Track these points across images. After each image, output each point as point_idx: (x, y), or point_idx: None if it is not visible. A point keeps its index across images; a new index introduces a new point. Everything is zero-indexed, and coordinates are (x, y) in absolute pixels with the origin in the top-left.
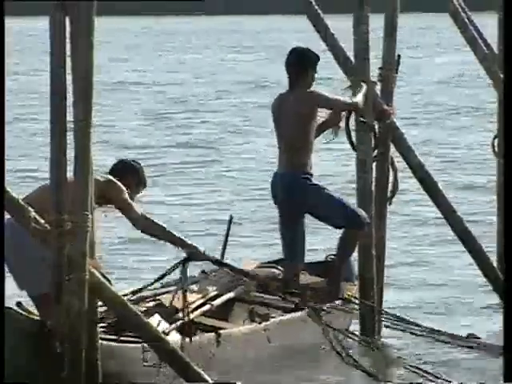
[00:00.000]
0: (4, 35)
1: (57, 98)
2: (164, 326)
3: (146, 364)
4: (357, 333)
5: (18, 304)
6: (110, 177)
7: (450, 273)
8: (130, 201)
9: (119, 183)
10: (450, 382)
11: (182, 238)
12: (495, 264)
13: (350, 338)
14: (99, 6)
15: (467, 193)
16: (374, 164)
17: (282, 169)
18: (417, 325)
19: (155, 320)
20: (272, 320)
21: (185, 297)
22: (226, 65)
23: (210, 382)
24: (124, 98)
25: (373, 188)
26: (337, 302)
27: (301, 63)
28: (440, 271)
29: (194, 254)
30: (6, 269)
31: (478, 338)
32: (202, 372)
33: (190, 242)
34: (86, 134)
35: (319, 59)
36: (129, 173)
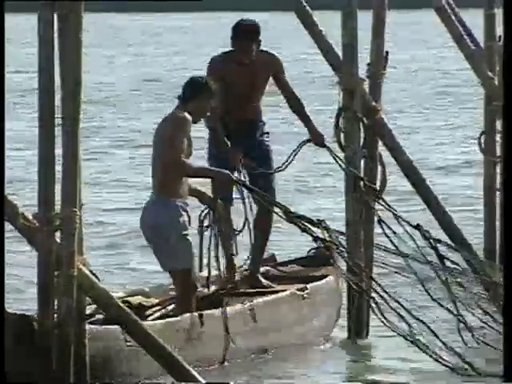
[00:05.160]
0: (4, 35)
1: (45, 95)
2: None
3: (128, 344)
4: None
5: None
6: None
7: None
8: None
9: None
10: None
11: (212, 168)
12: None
13: None
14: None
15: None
16: (363, 161)
17: None
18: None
19: None
20: (255, 301)
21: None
22: None
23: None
24: None
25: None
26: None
27: None
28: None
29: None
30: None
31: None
32: (194, 371)
33: (217, 170)
34: (75, 130)
35: None
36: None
